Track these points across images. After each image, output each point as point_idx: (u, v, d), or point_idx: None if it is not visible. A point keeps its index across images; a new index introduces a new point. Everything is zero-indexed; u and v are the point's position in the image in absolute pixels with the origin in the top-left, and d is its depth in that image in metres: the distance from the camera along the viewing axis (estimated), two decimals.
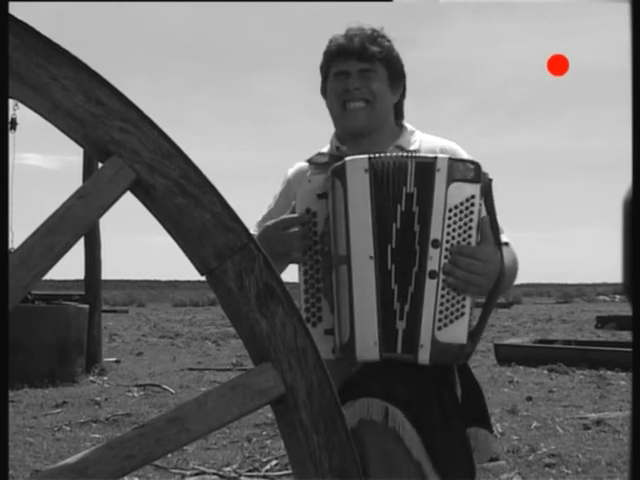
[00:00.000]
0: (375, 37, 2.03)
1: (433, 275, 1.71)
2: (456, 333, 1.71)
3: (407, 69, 2.12)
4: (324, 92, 2.11)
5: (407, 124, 2.13)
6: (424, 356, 1.71)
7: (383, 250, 1.72)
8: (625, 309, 19.03)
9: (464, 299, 1.72)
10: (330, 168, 1.80)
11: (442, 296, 1.71)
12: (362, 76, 2.00)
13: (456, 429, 1.79)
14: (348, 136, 2.04)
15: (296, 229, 1.82)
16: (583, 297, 38.18)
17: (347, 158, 1.76)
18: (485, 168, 1.76)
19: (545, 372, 8.29)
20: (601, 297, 36.30)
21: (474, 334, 1.76)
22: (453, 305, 1.72)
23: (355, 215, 1.72)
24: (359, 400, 1.72)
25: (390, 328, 1.72)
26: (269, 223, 1.88)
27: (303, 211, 1.83)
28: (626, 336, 12.33)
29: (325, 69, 2.08)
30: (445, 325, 1.71)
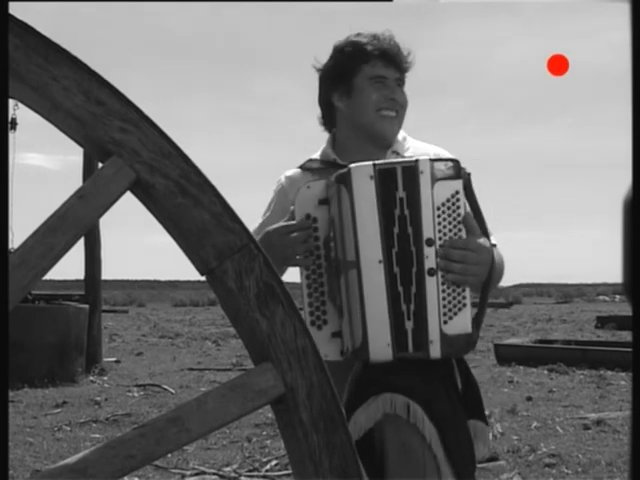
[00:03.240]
0: (403, 47, 2.03)
1: (432, 272, 1.76)
2: (461, 324, 1.78)
3: None
4: (347, 92, 2.03)
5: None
6: (435, 351, 1.76)
7: (389, 254, 1.77)
8: (625, 309, 19.02)
9: (464, 290, 1.79)
10: (334, 175, 1.82)
11: (443, 291, 1.77)
12: (397, 86, 2.02)
13: (463, 423, 1.84)
14: (370, 140, 2.03)
15: (297, 234, 1.84)
16: (583, 297, 38.17)
17: (351, 165, 1.79)
18: (464, 164, 1.80)
19: (545, 372, 8.29)
20: (601, 297, 36.29)
21: (476, 321, 1.81)
22: (455, 298, 1.78)
23: (362, 221, 1.76)
24: (382, 395, 1.76)
25: (400, 329, 1.77)
26: (270, 229, 1.89)
27: (303, 217, 1.85)
28: (626, 336, 12.32)
29: (351, 68, 2.01)
30: (450, 318, 1.77)
